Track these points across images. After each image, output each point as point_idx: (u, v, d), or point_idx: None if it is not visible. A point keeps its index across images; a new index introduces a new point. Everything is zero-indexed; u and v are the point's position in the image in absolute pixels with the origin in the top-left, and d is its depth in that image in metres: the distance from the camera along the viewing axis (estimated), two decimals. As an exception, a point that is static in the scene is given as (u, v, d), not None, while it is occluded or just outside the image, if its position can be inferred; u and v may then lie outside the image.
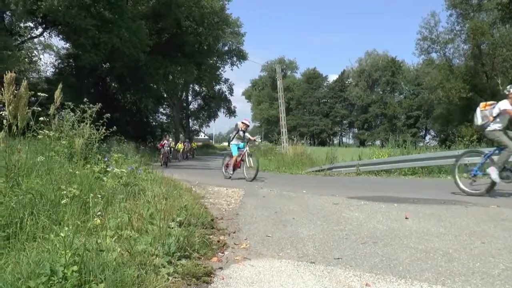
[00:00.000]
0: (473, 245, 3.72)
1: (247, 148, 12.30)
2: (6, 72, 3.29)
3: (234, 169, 12.44)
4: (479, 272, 2.95)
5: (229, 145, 12.90)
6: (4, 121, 3.43)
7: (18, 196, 3.25)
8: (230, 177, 12.38)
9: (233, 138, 12.63)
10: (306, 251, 3.63)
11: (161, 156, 22.26)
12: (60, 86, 4.18)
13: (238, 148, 12.34)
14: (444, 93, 41.50)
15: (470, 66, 40.88)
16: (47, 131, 5.35)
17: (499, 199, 6.70)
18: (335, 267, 3.14)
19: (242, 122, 12.77)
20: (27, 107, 3.48)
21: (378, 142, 75.88)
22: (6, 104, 3.32)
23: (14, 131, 3.44)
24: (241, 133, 12.50)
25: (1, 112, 3.52)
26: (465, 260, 3.26)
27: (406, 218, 5.07)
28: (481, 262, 3.18)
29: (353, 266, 3.16)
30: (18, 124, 3.40)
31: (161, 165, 19.79)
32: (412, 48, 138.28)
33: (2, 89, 3.32)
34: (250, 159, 11.92)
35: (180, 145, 31.75)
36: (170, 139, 24.52)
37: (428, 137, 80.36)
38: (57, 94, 4.11)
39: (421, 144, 36.04)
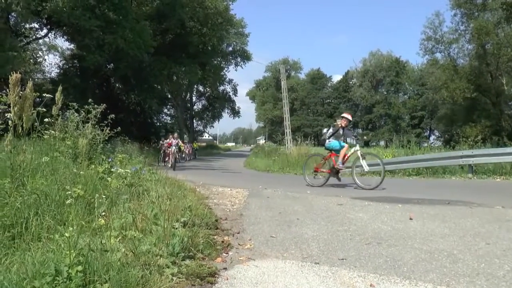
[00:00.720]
0: (478, 246, 3.71)
1: (358, 148, 9.81)
2: (12, 73, 3.31)
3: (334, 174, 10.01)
4: (484, 273, 2.94)
5: (324, 146, 10.39)
6: (10, 122, 3.45)
7: (23, 197, 3.27)
8: (323, 184, 10.00)
9: (330, 137, 10.08)
10: (310, 252, 3.62)
11: (169, 156, 20.23)
12: (60, 88, 4.20)
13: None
14: (448, 93, 41.33)
15: (475, 66, 40.71)
16: (52, 131, 5.38)
17: (504, 200, 6.67)
18: (339, 267, 3.14)
19: (343, 117, 10.20)
20: (32, 108, 3.49)
21: (382, 143, 75.60)
22: (11, 105, 3.33)
23: (19, 132, 3.46)
24: (341, 130, 10.01)
25: (7, 114, 3.54)
26: (470, 261, 3.25)
27: (411, 218, 5.06)
28: (486, 263, 3.17)
29: (358, 267, 3.16)
30: (24, 125, 3.42)
31: (169, 167, 18.13)
32: (416, 48, 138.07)
33: (8, 90, 3.34)
34: (364, 161, 9.53)
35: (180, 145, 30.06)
36: (174, 138, 21.54)
37: (432, 137, 79.94)
38: (58, 95, 4.13)
39: (425, 144, 36.01)
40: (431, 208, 5.85)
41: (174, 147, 19.73)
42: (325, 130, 10.56)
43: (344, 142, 10.04)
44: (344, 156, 9.82)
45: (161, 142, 24.71)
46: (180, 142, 22.34)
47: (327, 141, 10.14)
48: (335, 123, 10.38)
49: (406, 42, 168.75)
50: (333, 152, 10.00)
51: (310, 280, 2.83)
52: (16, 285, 2.10)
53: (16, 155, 3.61)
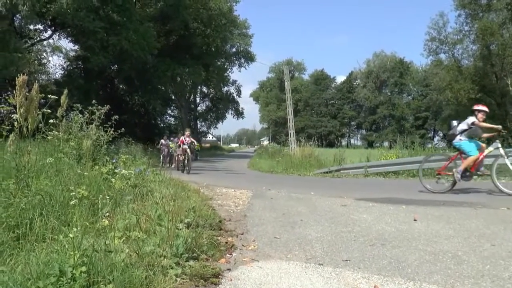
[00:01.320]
0: (483, 247, 3.69)
1: (499, 145, 7.91)
2: (18, 75, 3.33)
3: (466, 176, 8.09)
4: (489, 275, 2.92)
5: (450, 143, 8.97)
6: (15, 123, 3.46)
7: (27, 197, 3.29)
8: (449, 189, 8.25)
9: (461, 133, 8.22)
10: (314, 253, 3.62)
11: (180, 157, 17.07)
12: (65, 92, 4.22)
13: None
14: (452, 94, 41.21)
15: (479, 67, 40.56)
16: (56, 133, 5.41)
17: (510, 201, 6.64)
18: (343, 269, 3.13)
19: (479, 110, 8.09)
20: (37, 109, 3.51)
21: (386, 144, 75.47)
22: (17, 107, 3.35)
23: (25, 133, 3.47)
24: (478, 129, 8.18)
25: (12, 115, 3.56)
26: (475, 262, 3.23)
27: (415, 220, 5.04)
28: (491, 265, 3.16)
29: (362, 268, 3.15)
30: (29, 126, 3.43)
31: (179, 169, 16.14)
32: (420, 49, 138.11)
33: (13, 91, 3.36)
34: (509, 161, 7.71)
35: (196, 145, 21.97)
36: (187, 136, 17.53)
37: (436, 138, 79.75)
38: (63, 98, 4.15)
39: (430, 145, 35.88)
40: (436, 209, 5.83)
41: (186, 146, 16.47)
42: (455, 123, 8.57)
43: (478, 138, 8.39)
44: (474, 164, 8.03)
45: (162, 141, 22.13)
46: (195, 141, 18.25)
47: (457, 137, 8.25)
48: (470, 118, 8.21)
49: (410, 43, 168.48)
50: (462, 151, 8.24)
51: (314, 281, 2.82)
52: (21, 286, 2.11)
53: (21, 156, 3.62)
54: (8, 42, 21.44)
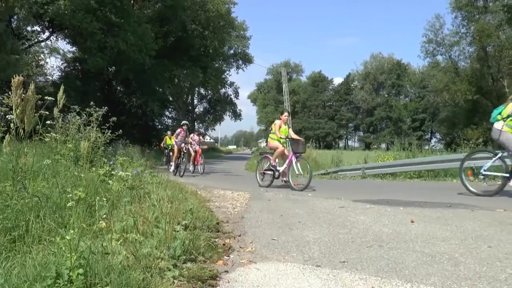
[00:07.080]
0: (480, 249, 3.70)
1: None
2: (14, 76, 3.32)
3: None
4: (486, 277, 2.92)
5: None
6: (12, 124, 3.46)
7: (24, 199, 3.27)
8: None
9: None
10: (311, 255, 3.62)
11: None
12: (62, 87, 4.20)
13: None
14: (449, 96, 41.51)
15: (476, 69, 40.79)
16: (53, 134, 5.40)
17: (506, 202, 6.66)
18: (340, 270, 3.13)
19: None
20: (34, 111, 3.50)
21: (383, 145, 75.77)
22: (13, 108, 3.34)
23: (21, 134, 3.46)
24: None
25: (8, 116, 3.55)
26: (472, 264, 3.23)
27: (412, 221, 5.04)
28: (488, 267, 3.16)
29: (359, 270, 3.15)
30: (25, 127, 3.42)
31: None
32: (417, 51, 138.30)
33: (10, 92, 3.35)
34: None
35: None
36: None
37: (433, 140, 79.86)
38: (60, 95, 4.12)
39: (427, 147, 35.91)
40: (433, 211, 5.83)
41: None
42: None
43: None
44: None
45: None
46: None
47: None
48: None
49: (407, 44, 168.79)
50: None
51: (312, 283, 2.82)
52: (17, 288, 2.10)
53: (17, 158, 3.61)
54: (5, 43, 21.36)
